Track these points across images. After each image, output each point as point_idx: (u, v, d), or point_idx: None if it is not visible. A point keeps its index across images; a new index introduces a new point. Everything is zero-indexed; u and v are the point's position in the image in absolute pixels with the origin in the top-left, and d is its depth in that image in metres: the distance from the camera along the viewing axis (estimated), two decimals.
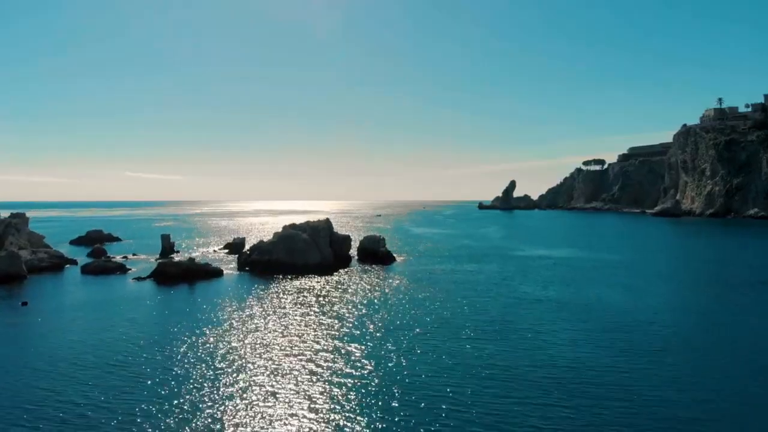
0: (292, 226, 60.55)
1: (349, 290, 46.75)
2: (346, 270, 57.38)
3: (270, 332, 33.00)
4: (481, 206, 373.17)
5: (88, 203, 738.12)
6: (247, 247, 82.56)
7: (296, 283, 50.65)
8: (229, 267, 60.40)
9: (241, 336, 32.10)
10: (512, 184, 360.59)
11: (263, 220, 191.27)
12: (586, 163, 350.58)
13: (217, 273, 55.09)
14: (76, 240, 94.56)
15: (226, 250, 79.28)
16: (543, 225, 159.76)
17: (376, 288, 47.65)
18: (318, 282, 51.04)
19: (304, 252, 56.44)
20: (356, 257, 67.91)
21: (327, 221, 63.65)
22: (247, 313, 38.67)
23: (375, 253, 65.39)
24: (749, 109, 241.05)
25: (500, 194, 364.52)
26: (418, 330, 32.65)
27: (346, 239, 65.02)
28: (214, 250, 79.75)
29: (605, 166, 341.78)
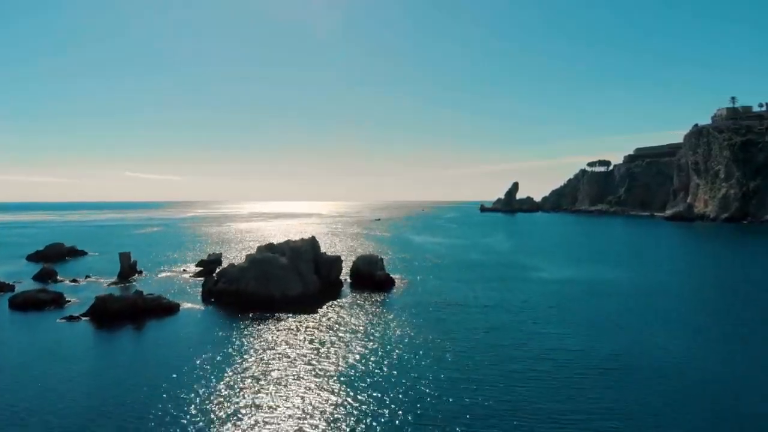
0: (269, 246, 49.49)
1: (334, 337, 35.77)
2: (334, 303, 46.32)
3: (225, 406, 22.33)
4: (483, 208, 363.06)
5: (84, 204, 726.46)
6: (224, 264, 71.92)
7: (270, 324, 39.70)
8: (192, 298, 49.34)
9: (188, 410, 21.51)
10: (515, 186, 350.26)
11: (255, 227, 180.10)
12: (590, 164, 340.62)
13: (172, 309, 44.08)
14: (33, 255, 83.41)
15: (200, 269, 68.18)
16: (552, 232, 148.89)
17: (370, 333, 36.68)
18: (296, 322, 40.09)
19: (282, 280, 45.47)
20: (349, 280, 56.99)
21: (312, 240, 52.53)
22: (198, 374, 28.01)
23: (371, 277, 54.45)
24: (764, 109, 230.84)
25: (502, 196, 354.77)
26: (429, 424, 21.70)
27: (336, 262, 53.85)
28: (184, 270, 68.68)
29: (610, 168, 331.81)
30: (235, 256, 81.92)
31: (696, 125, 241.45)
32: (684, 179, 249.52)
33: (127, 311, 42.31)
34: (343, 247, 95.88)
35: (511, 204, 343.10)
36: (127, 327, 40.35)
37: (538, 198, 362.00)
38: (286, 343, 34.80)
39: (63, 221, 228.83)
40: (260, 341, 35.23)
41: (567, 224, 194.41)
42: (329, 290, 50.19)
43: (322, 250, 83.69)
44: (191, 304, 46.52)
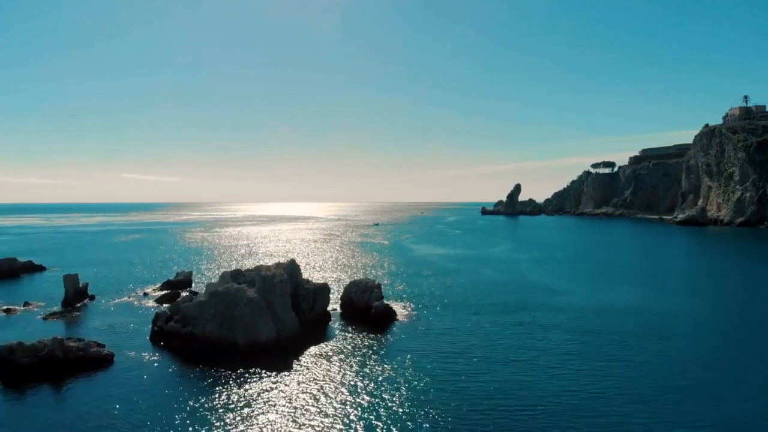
0: (235, 274, 38.83)
1: (312, 407, 25.21)
2: (316, 351, 35.68)
3: None
4: (484, 211, 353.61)
5: (78, 206, 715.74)
6: (194, 286, 61.49)
7: (227, 385, 29.21)
8: (137, 340, 38.69)
9: None
10: (517, 188, 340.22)
11: (245, 232, 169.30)
12: (594, 165, 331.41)
13: (104, 360, 33.56)
14: None
15: (165, 291, 57.59)
16: (564, 238, 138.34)
17: (360, 403, 26.12)
18: (264, 381, 29.63)
19: (249, 321, 34.84)
20: (339, 310, 46.48)
21: (290, 265, 41.75)
22: None
23: (366, 309, 43.93)
24: None
25: (503, 197, 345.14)
26: None
27: (321, 292, 42.95)
28: (145, 293, 57.98)
29: (615, 169, 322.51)
30: (211, 274, 71.34)
31: (707, 125, 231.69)
32: (694, 181, 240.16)
33: (42, 366, 31.85)
34: (334, 263, 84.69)
35: (513, 206, 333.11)
36: (41, 389, 30.06)
37: (537, 198, 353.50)
38: (245, 417, 24.38)
39: (46, 226, 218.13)
40: (209, 415, 24.82)
41: (576, 229, 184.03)
42: (311, 331, 39.41)
43: (309, 267, 73.26)
44: (133, 352, 35.92)
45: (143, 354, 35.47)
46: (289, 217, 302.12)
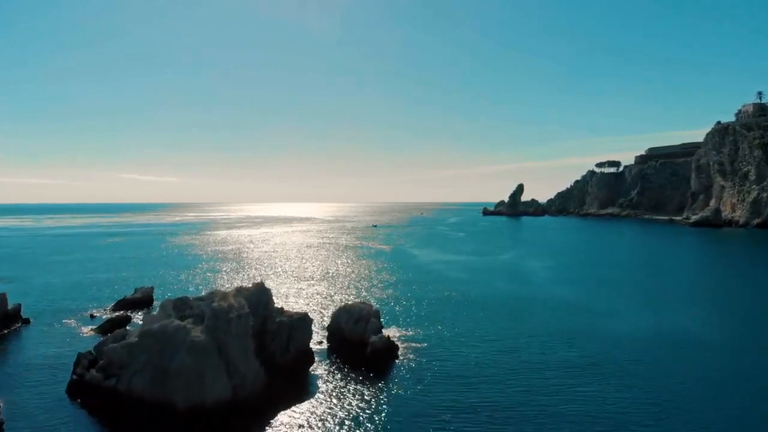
0: (179, 304, 28.75)
1: None
2: (287, 415, 25.50)
3: None
4: (486, 212, 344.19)
5: (74, 206, 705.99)
6: (157, 304, 51.38)
7: None
8: (48, 393, 28.52)
9: None
10: (519, 188, 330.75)
11: (234, 236, 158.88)
12: (599, 164, 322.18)
13: None
14: None
15: (116, 313, 47.52)
16: (577, 241, 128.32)
17: None
18: None
19: (192, 373, 24.82)
20: (326, 345, 36.43)
21: (257, 291, 31.35)
22: None
23: (361, 345, 33.87)
24: None
25: (504, 198, 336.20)
26: None
27: (299, 325, 32.25)
28: (92, 315, 47.78)
29: (620, 169, 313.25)
30: (178, 290, 60.96)
31: (719, 122, 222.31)
32: (704, 181, 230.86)
33: None
34: (322, 276, 71.76)
35: (515, 207, 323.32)
36: None
37: (538, 199, 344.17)
38: None
39: (31, 228, 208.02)
40: None
41: (584, 231, 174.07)
42: (284, 383, 28.87)
43: (289, 283, 62.55)
44: (36, 413, 25.80)
45: (46, 418, 25.34)
46: (286, 219, 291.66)
